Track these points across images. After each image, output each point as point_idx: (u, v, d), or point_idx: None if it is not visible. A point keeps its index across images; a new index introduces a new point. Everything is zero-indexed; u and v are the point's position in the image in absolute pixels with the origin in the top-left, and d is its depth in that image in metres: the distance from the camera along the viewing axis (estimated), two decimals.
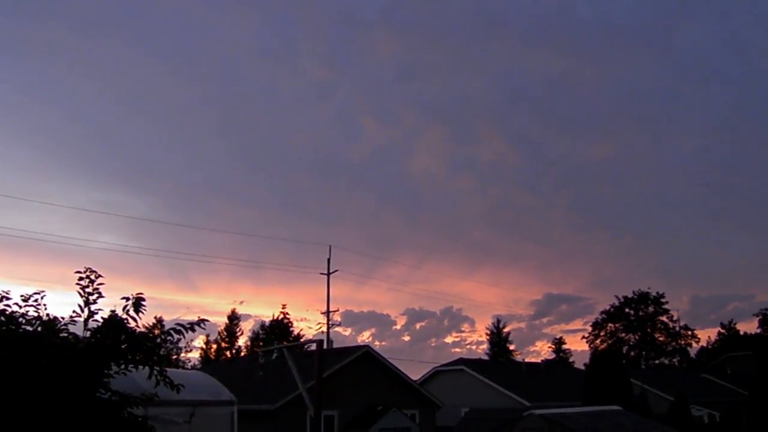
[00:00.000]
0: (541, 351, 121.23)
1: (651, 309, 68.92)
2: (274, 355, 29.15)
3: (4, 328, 7.17)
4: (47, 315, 7.61)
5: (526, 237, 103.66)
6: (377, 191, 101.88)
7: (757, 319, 66.14)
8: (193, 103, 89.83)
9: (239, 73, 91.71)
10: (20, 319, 7.38)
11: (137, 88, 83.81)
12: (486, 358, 57.66)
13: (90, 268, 7.71)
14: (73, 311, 7.61)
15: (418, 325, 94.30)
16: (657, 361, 68.63)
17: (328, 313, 40.70)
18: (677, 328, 68.62)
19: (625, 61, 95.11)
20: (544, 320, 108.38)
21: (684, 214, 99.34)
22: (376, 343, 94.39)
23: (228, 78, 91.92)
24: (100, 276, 7.70)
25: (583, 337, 71.65)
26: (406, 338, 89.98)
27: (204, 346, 57.24)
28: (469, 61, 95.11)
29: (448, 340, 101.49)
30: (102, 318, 7.58)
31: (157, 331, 8.21)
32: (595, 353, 47.27)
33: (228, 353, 55.74)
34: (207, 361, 52.41)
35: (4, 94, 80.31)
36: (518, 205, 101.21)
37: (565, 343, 69.94)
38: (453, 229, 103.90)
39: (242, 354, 52.79)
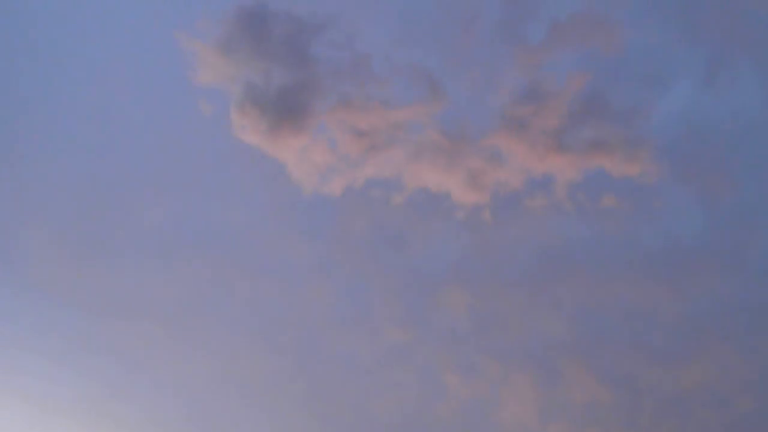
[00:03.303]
0: None
1: None
2: None
3: None
4: None
5: None
6: None
7: None
8: (276, 376, 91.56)
9: (318, 343, 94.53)
10: None
11: (222, 367, 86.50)
12: None
13: None
14: None
15: None
16: None
17: None
18: None
19: (700, 280, 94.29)
20: None
21: None
22: None
23: (307, 349, 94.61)
24: None
25: None
26: None
27: None
28: (545, 304, 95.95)
29: None
30: None
31: None
32: None
33: None
34: None
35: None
36: None
37: None
38: None
39: None
